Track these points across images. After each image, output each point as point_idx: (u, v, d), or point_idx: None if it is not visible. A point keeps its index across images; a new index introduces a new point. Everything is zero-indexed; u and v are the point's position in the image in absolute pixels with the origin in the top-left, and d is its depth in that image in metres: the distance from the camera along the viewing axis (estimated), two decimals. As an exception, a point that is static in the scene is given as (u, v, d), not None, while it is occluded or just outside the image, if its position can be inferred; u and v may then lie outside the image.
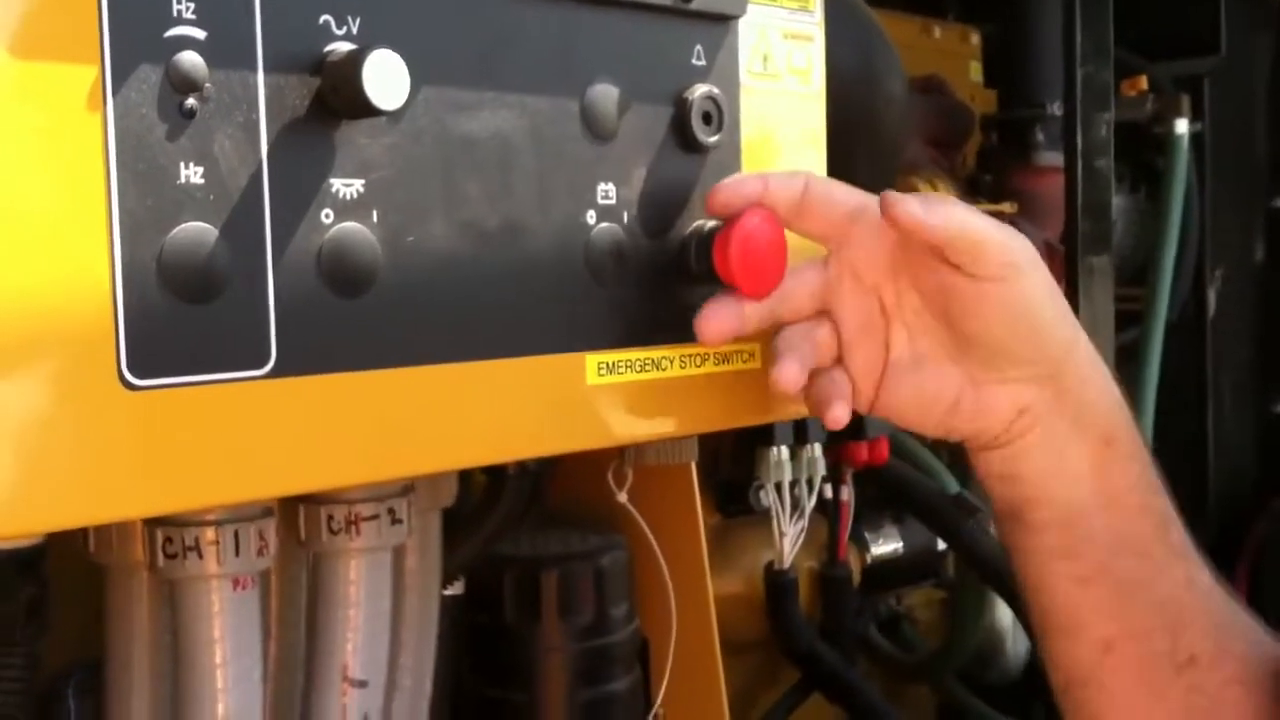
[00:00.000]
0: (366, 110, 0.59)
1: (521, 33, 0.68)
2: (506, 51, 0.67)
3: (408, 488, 0.78)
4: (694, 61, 0.75)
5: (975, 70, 1.72)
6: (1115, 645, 0.75)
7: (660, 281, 0.74)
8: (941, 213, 0.71)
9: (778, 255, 0.73)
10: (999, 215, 1.33)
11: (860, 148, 1.13)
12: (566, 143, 0.70)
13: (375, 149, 0.62)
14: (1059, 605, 0.76)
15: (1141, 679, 0.76)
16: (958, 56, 1.70)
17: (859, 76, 1.11)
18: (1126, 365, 1.50)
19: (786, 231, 0.74)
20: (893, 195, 0.72)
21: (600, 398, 0.71)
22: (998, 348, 0.74)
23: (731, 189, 0.73)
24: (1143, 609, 0.75)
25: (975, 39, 1.73)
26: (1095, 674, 0.76)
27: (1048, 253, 1.40)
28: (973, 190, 1.63)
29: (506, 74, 0.67)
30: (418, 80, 0.61)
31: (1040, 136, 1.57)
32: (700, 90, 0.75)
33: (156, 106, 0.55)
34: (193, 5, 0.56)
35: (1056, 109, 1.54)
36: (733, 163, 0.77)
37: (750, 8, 0.77)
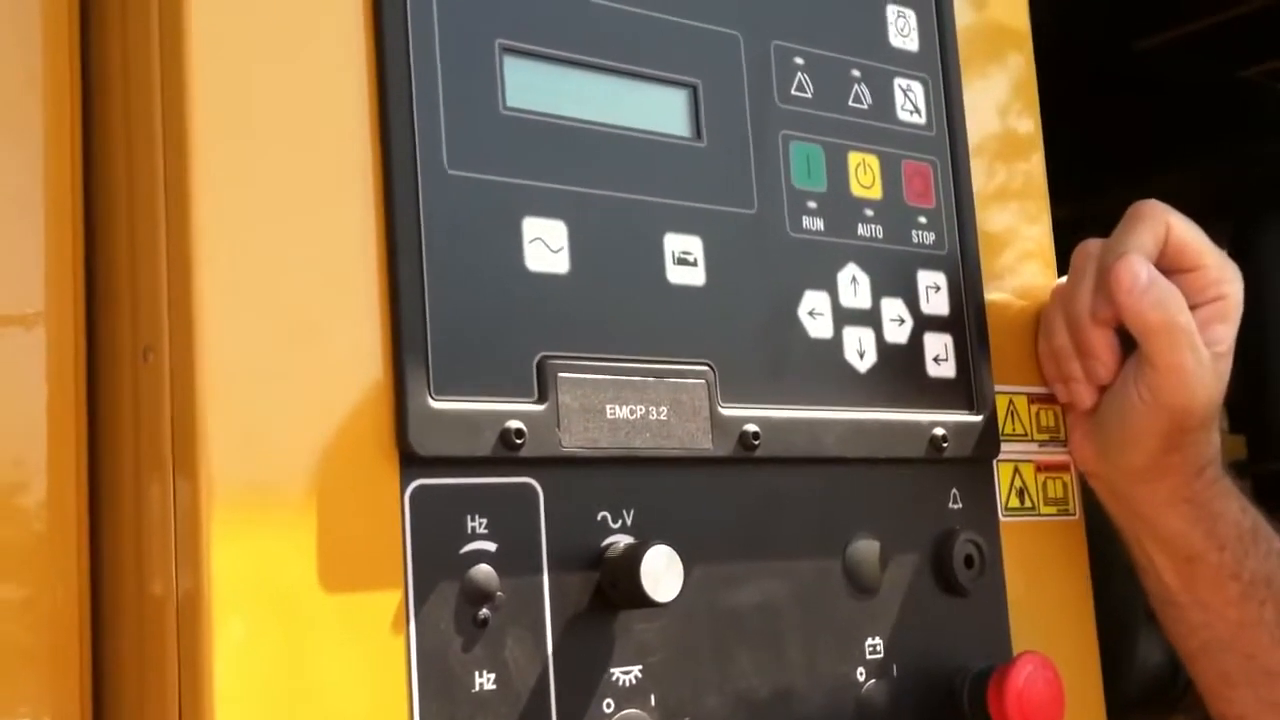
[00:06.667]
0: (644, 602, 0.61)
1: (783, 499, 0.70)
2: (769, 520, 0.69)
3: None
4: (951, 506, 0.76)
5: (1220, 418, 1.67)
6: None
7: (933, 733, 0.73)
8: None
9: (1055, 704, 0.72)
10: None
11: (1116, 534, 1.10)
12: (832, 601, 0.71)
13: (650, 634, 0.64)
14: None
15: None
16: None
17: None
18: None
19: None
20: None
21: None
22: (1119, 423, 0.79)
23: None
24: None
25: (1217, 386, 1.70)
26: None
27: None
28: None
29: (770, 542, 0.69)
30: (688, 562, 0.63)
31: (1299, 489, 1.51)
32: (959, 534, 0.75)
33: (454, 621, 0.59)
34: (485, 520, 0.60)
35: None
36: (997, 603, 0.77)
37: (1003, 445, 0.78)
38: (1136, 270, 0.75)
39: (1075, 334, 0.80)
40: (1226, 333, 0.78)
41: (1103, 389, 0.80)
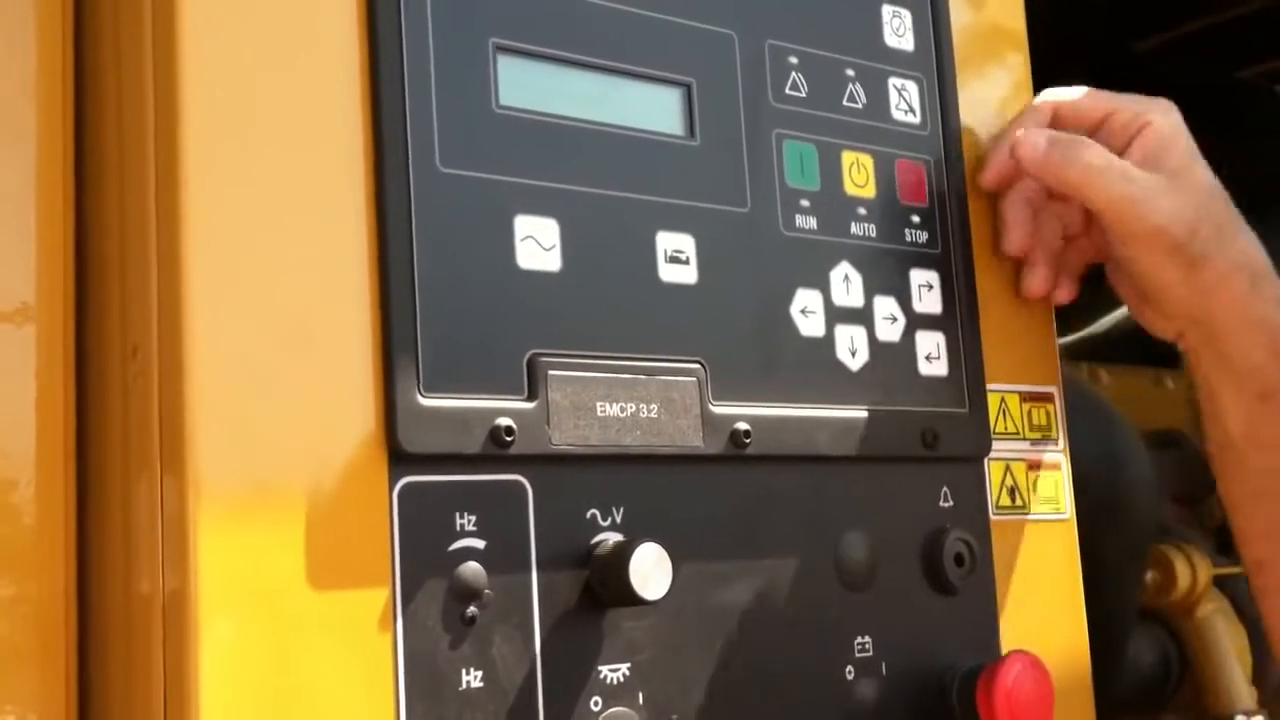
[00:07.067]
0: (633, 600, 0.61)
1: (774, 497, 0.70)
2: (760, 518, 0.69)
3: None
4: (942, 504, 0.76)
5: (1214, 417, 1.67)
6: (1265, 567, 0.84)
7: (923, 732, 0.73)
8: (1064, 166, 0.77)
9: (1044, 703, 0.72)
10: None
11: (1109, 536, 1.10)
12: (821, 599, 0.70)
13: (639, 631, 0.64)
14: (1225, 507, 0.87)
15: None
16: (1194, 405, 1.66)
17: (1103, 465, 1.10)
18: None
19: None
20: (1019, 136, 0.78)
21: None
22: (1140, 281, 0.81)
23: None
24: None
25: (1211, 386, 1.70)
26: (1254, 583, 0.85)
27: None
28: (1225, 543, 1.56)
29: (760, 539, 0.69)
30: (678, 560, 0.63)
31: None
32: (950, 532, 0.75)
33: (441, 619, 0.59)
34: (474, 518, 0.60)
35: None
36: (987, 601, 0.77)
37: (994, 444, 0.78)
38: (1033, 140, 0.77)
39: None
40: (1173, 154, 0.79)
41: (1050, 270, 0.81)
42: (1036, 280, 0.81)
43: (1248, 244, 0.80)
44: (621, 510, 0.65)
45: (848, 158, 0.75)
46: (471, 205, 0.62)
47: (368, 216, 0.60)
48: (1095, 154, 0.77)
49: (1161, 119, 0.81)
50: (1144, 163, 0.79)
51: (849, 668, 0.71)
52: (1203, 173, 0.80)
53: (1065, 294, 0.83)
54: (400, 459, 0.59)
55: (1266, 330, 0.80)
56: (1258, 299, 0.80)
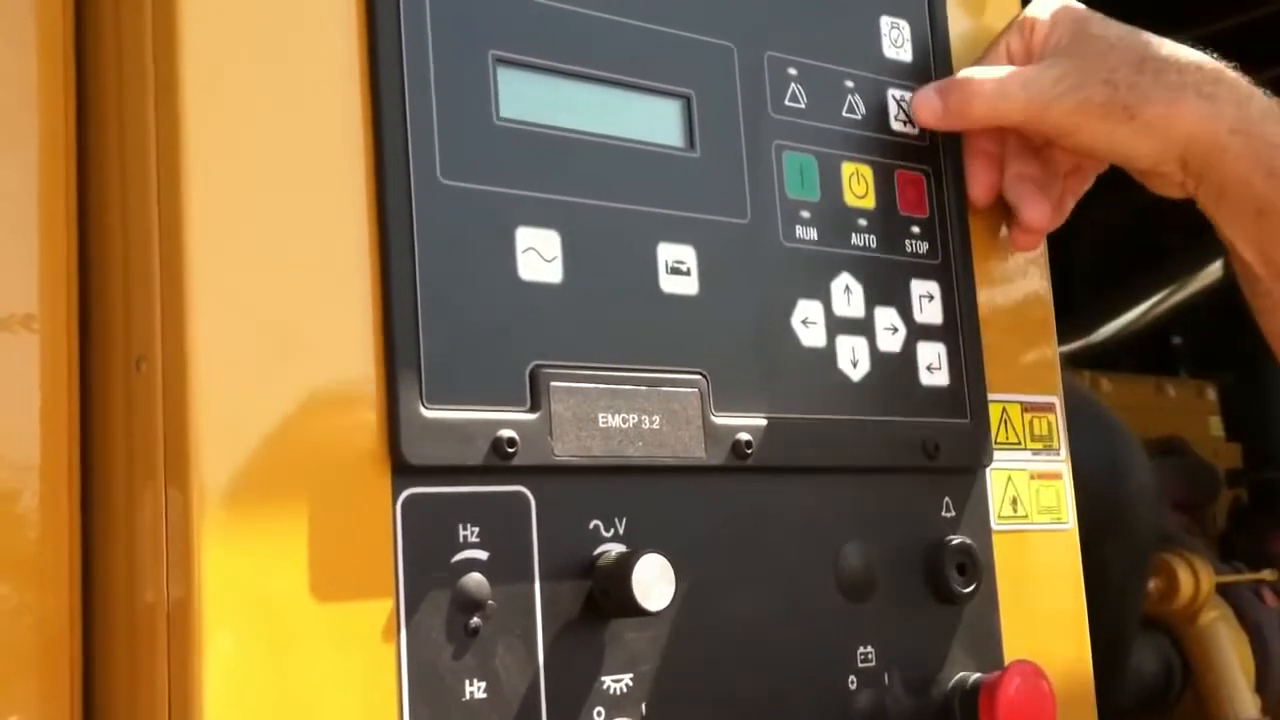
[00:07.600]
0: (635, 611, 0.62)
1: (775, 508, 0.70)
2: (761, 529, 0.69)
3: None
4: (944, 514, 0.76)
5: (1215, 425, 1.68)
6: None
7: (925, 743, 0.73)
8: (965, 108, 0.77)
9: (1047, 713, 0.72)
10: (1259, 584, 1.26)
11: (1112, 544, 1.11)
12: (823, 610, 0.71)
13: (641, 642, 0.64)
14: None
15: None
16: (1195, 413, 1.67)
17: (1105, 474, 1.10)
18: None
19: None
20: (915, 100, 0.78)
21: None
22: (1119, 159, 0.79)
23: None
24: None
25: (1212, 393, 1.70)
26: None
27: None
28: (1227, 551, 1.56)
29: (762, 551, 0.69)
30: (680, 571, 0.63)
31: (1295, 496, 1.51)
32: (952, 541, 0.75)
33: (445, 629, 0.59)
34: (477, 529, 0.60)
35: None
36: (990, 610, 0.77)
37: (996, 454, 0.79)
38: (925, 101, 0.77)
39: None
40: (1061, 31, 0.78)
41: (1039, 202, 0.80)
42: (1033, 211, 0.80)
43: (1184, 61, 0.76)
44: (624, 521, 0.65)
45: (847, 169, 0.75)
46: (473, 217, 0.62)
47: (370, 228, 0.60)
48: (983, 81, 0.77)
49: (1039, 12, 0.80)
50: (1043, 55, 0.78)
51: (851, 678, 0.71)
52: (1097, 27, 0.78)
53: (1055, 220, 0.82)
54: (403, 470, 0.59)
55: (1239, 134, 0.75)
56: (1217, 107, 0.75)
